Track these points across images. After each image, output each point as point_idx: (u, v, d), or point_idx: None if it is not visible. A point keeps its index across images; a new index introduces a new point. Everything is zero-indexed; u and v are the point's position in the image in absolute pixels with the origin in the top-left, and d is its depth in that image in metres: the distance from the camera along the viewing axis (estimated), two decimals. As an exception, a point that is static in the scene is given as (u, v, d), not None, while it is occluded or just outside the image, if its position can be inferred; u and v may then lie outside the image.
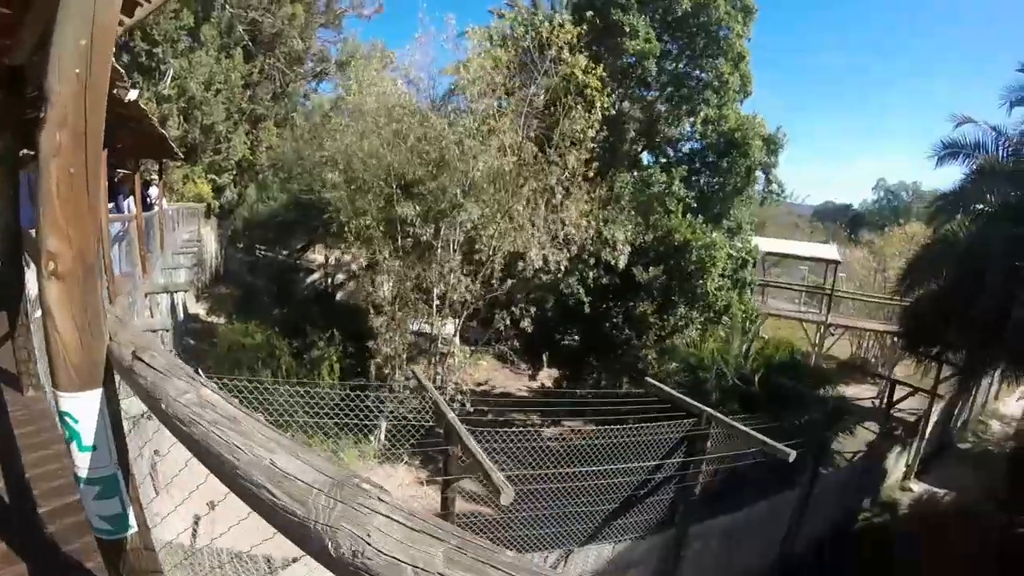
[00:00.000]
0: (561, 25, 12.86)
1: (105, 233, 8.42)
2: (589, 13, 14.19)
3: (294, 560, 7.12)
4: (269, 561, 7.31)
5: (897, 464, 17.66)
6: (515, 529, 9.57)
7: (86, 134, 1.91)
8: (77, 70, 1.79)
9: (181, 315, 19.83)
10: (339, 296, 24.85)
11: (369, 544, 0.85)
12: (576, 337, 17.48)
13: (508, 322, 14.18)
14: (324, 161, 16.29)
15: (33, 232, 2.13)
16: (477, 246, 13.34)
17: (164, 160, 17.78)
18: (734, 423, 11.18)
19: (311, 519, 0.95)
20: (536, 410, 18.42)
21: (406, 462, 17.06)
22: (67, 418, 1.91)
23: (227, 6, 24.77)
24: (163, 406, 1.54)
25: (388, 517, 0.89)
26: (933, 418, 18.35)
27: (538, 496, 9.53)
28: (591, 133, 13.19)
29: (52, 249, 1.86)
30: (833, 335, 22.57)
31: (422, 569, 0.79)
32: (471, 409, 15.33)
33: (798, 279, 29.30)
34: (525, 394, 20.70)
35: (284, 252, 26.77)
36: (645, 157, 18.34)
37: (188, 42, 23.24)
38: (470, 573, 0.76)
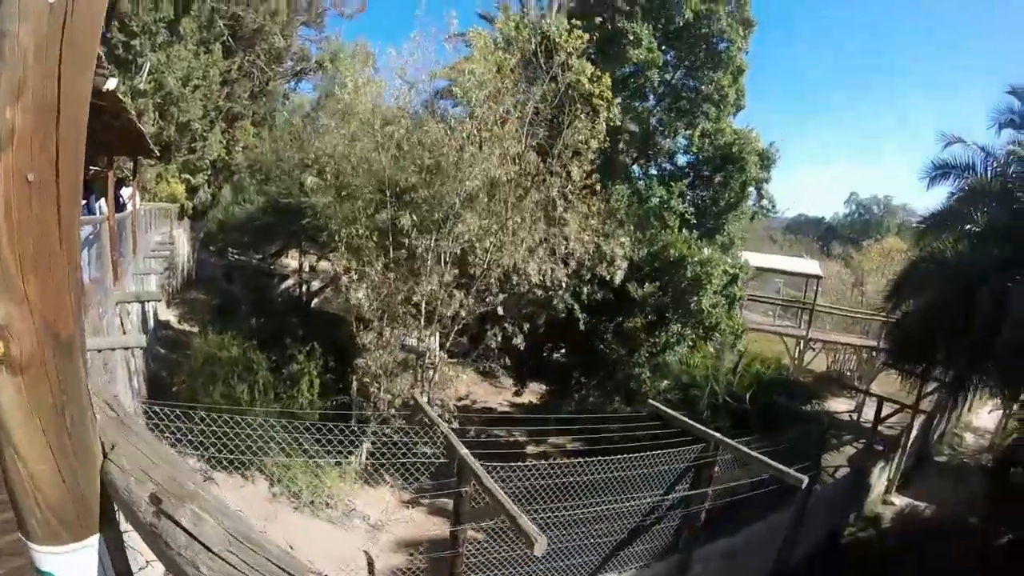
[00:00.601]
0: (569, 31, 12.11)
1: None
2: (598, 19, 13.54)
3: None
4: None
5: (880, 478, 17.52)
6: (521, 565, 8.76)
7: (59, 112, 1.04)
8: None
9: (152, 323, 18.54)
10: (315, 303, 23.75)
11: None
12: (564, 353, 16.77)
13: (499, 338, 13.39)
14: (309, 164, 15.26)
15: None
16: (472, 259, 12.48)
17: (138, 158, 16.58)
18: (746, 450, 10.77)
19: None
20: (522, 428, 17.62)
21: (389, 484, 16.09)
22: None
23: (207, -1, 23.54)
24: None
25: None
26: (913, 432, 18.11)
27: (545, 527, 8.80)
28: (594, 144, 12.47)
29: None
30: (814, 349, 22.24)
31: None
32: (456, 425, 14.49)
33: (772, 292, 29.09)
34: (507, 409, 19.87)
35: (257, 256, 25.52)
36: (637, 169, 17.69)
37: (166, 35, 21.89)
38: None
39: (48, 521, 1.20)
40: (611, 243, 12.76)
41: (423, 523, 14.56)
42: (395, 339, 12.81)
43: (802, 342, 21.48)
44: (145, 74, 20.80)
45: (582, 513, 9.19)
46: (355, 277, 12.07)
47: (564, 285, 12.46)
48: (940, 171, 15.18)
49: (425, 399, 13.79)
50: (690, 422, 11.29)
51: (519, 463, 8.33)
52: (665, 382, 15.43)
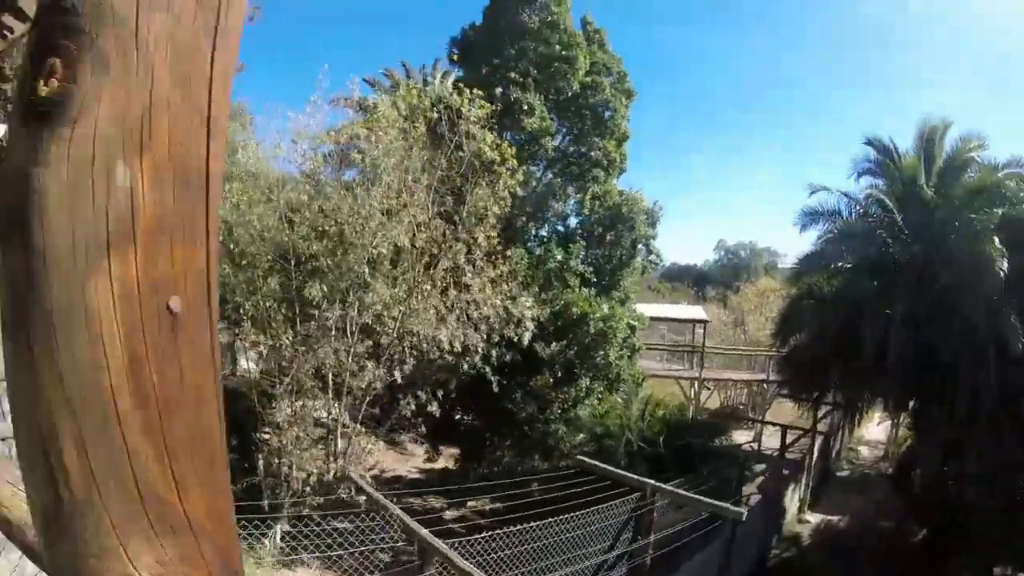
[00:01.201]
0: (471, 100, 12.08)
1: None
2: (498, 90, 13.70)
3: None
4: None
5: (792, 500, 18.17)
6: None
7: (208, 177, 0.61)
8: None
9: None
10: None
11: None
12: (476, 416, 16.27)
13: (414, 406, 12.75)
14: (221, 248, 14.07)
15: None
16: (381, 328, 11.85)
17: None
18: (683, 492, 11.20)
19: None
20: (437, 495, 16.77)
21: (305, 563, 14.68)
22: None
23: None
24: None
25: None
26: (815, 454, 18.99)
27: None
28: (496, 210, 12.39)
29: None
30: (709, 389, 23.00)
31: None
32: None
33: (657, 338, 30.00)
34: (417, 476, 18.90)
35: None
36: (533, 232, 17.83)
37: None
38: None
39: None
40: (519, 305, 12.55)
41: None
42: (307, 413, 11.79)
43: (696, 383, 22.18)
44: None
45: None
46: (262, 351, 11.03)
47: (478, 349, 12.05)
48: (810, 217, 16.46)
49: (336, 471, 12.81)
50: (622, 472, 11.33)
51: (477, 535, 7.73)
52: (580, 435, 15.31)
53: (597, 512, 9.90)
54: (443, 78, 21.08)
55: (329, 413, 12.50)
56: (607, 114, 17.03)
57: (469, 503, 16.43)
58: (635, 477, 11.11)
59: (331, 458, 12.93)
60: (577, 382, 14.97)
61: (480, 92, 12.60)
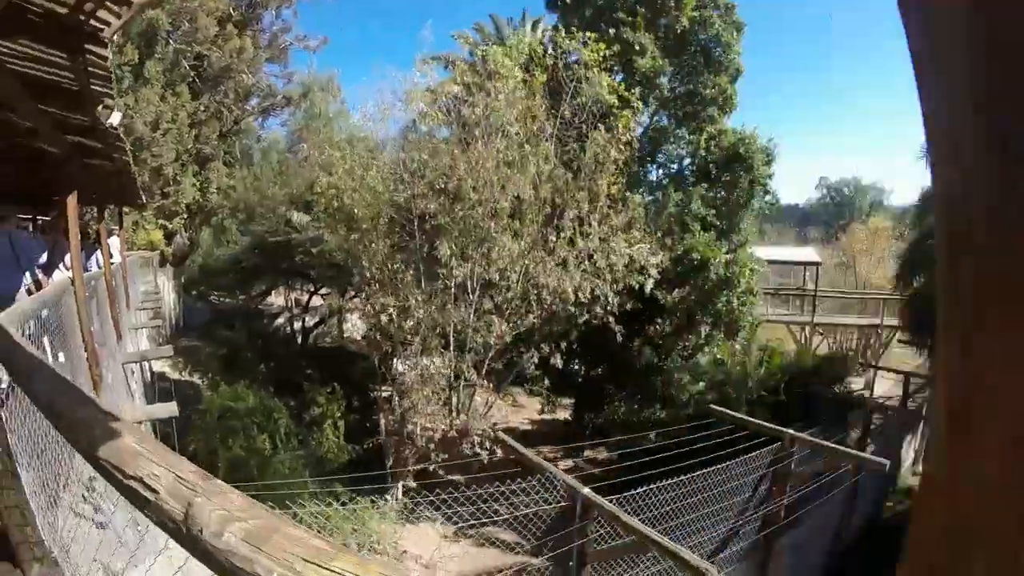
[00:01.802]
0: (585, 44, 11.42)
1: (82, 299, 6.15)
2: (612, 30, 12.94)
3: None
4: None
5: (908, 451, 17.13)
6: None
7: None
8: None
9: (148, 377, 17.04)
10: (319, 341, 22.48)
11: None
12: (588, 366, 15.98)
13: (536, 360, 12.56)
14: (296, 200, 14.19)
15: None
16: (504, 282, 11.60)
17: (122, 207, 15.20)
18: (824, 442, 10.64)
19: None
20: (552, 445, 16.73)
21: (428, 516, 15.00)
22: None
23: (171, 41, 21.99)
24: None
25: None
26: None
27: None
28: (615, 155, 11.78)
29: None
30: (820, 334, 21.95)
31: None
32: (498, 455, 13.55)
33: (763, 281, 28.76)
34: (528, 427, 18.90)
35: (242, 297, 24.07)
36: (652, 176, 17.08)
37: (131, 79, 20.41)
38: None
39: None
40: (643, 252, 12.00)
41: (476, 556, 13.55)
42: (433, 371, 11.76)
43: (806, 328, 21.18)
44: (117, 120, 19.22)
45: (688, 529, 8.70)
46: (393, 313, 10.97)
47: (608, 299, 11.63)
48: None
49: (461, 426, 12.84)
50: (759, 422, 10.87)
51: (635, 490, 7.46)
52: (700, 383, 14.82)
53: (743, 463, 9.66)
54: (533, 27, 20.30)
55: (452, 370, 12.44)
56: (718, 50, 15.98)
57: (585, 452, 16.31)
58: (772, 426, 10.73)
59: (455, 414, 12.95)
60: (697, 329, 14.43)
61: (592, 34, 11.91)
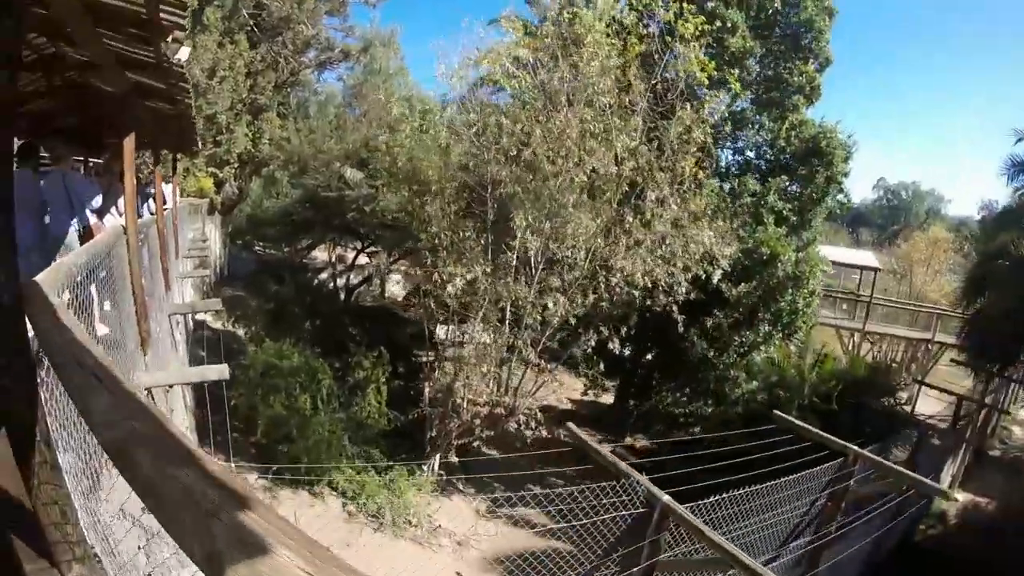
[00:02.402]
0: (680, 15, 10.60)
1: (135, 249, 5.64)
2: (711, 3, 12.11)
3: None
4: None
5: (946, 474, 16.40)
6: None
7: None
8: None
9: (191, 325, 16.77)
10: (355, 298, 22.12)
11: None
12: (638, 352, 15.38)
13: (594, 342, 12.00)
14: (354, 155, 13.66)
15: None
16: (571, 259, 10.99)
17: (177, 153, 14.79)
18: (889, 464, 10.12)
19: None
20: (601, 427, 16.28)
21: (461, 491, 14.68)
22: None
23: (231, -12, 21.47)
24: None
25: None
26: (978, 427, 17.24)
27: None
28: (699, 137, 11.02)
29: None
30: (871, 342, 21.07)
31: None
32: (545, 433, 13.15)
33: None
34: (567, 407, 18.42)
35: (287, 250, 23.79)
36: (729, 163, 16.26)
37: (190, 25, 19.92)
38: None
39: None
40: (718, 241, 11.28)
41: (508, 536, 13.21)
42: (494, 347, 11.25)
43: (856, 335, 20.33)
44: (185, 55, 18.73)
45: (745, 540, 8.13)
46: (460, 283, 10.43)
47: (680, 287, 10.97)
48: (1017, 168, 14.79)
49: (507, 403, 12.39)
50: (824, 435, 10.20)
51: (704, 500, 6.91)
52: (754, 383, 14.18)
53: (809, 477, 9.12)
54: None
55: (508, 345, 11.92)
56: (808, 36, 15.10)
57: (626, 439, 15.85)
58: (839, 441, 10.05)
59: (503, 390, 12.48)
60: (757, 327, 13.73)
61: (688, 6, 11.08)
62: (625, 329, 12.50)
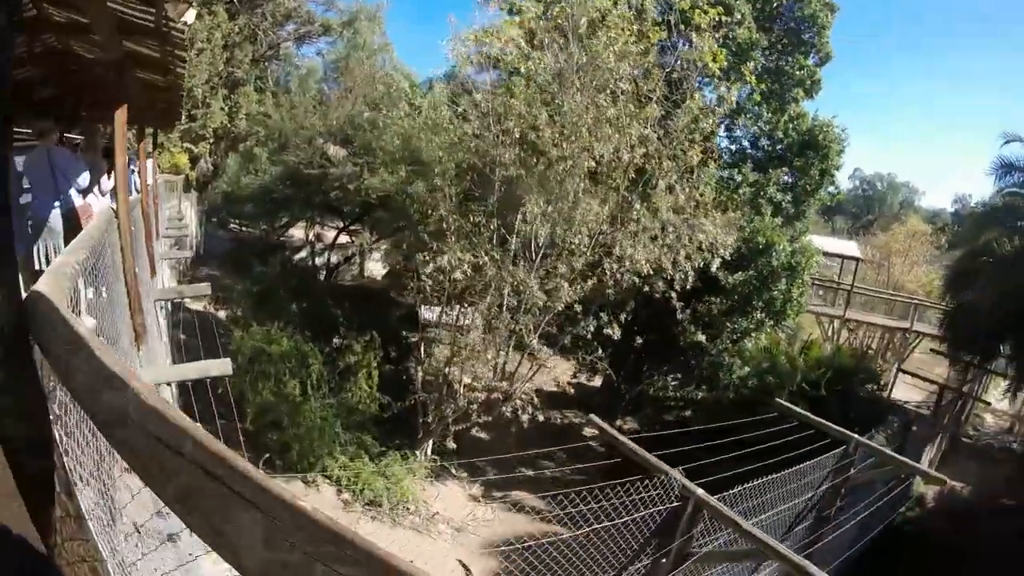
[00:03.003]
0: (696, 4, 10.38)
1: (127, 233, 5.19)
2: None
3: None
4: None
5: (924, 460, 16.81)
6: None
7: None
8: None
9: (169, 307, 16.11)
10: (335, 278, 21.64)
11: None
12: (634, 337, 15.32)
13: (593, 328, 11.87)
14: (381, 144, 13.23)
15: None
16: (574, 245, 10.77)
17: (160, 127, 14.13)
18: (890, 452, 10.30)
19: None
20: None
21: (455, 475, 14.48)
22: None
23: (210, -43, 20.50)
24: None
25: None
26: (956, 415, 17.71)
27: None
28: (706, 126, 10.90)
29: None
30: (850, 330, 21.39)
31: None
32: (541, 417, 13.03)
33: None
34: (553, 389, 18.33)
35: (263, 228, 23.07)
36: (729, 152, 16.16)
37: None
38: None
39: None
40: (720, 229, 11.19)
41: (504, 521, 13.12)
42: (497, 334, 11.01)
43: (835, 322, 20.61)
44: (191, 18, 17.78)
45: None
46: (465, 267, 10.12)
47: (686, 275, 10.85)
48: (1005, 168, 15.29)
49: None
50: (825, 423, 10.29)
51: (727, 492, 6.84)
52: (746, 369, 14.27)
53: (817, 467, 9.31)
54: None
55: (510, 330, 11.68)
56: (811, 31, 15.17)
57: (616, 423, 15.81)
58: (840, 430, 10.16)
59: (499, 375, 12.28)
60: (751, 314, 13.76)
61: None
62: (625, 315, 12.38)
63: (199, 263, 21.18)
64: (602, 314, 11.75)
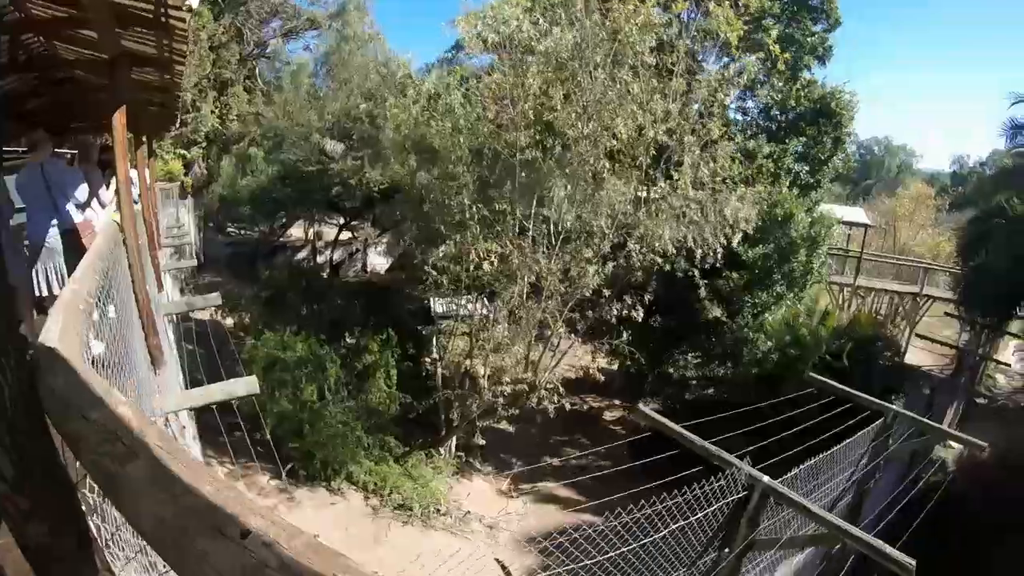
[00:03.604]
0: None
1: (135, 250, 4.72)
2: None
3: None
4: None
5: (943, 424, 16.63)
6: None
7: None
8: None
9: (176, 319, 15.60)
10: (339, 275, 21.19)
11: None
12: (651, 317, 14.98)
13: (616, 312, 11.49)
14: (387, 134, 12.76)
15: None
16: (596, 227, 10.36)
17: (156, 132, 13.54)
18: (927, 421, 10.12)
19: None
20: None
21: (479, 470, 14.17)
22: None
23: (193, -46, 19.74)
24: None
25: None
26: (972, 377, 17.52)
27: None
28: (724, 99, 10.51)
29: None
30: (860, 296, 21.13)
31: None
32: (568, 405, 12.66)
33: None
34: (571, 375, 17.96)
35: (261, 230, 22.58)
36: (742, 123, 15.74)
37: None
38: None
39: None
40: (743, 204, 10.77)
41: (536, 513, 12.83)
42: (527, 324, 10.61)
43: (845, 289, 20.35)
44: (196, 2, 17.15)
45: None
46: (494, 260, 9.71)
47: (716, 252, 10.43)
48: (1016, 129, 15.27)
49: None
50: (862, 395, 9.98)
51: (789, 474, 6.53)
52: (769, 344, 13.95)
53: (860, 441, 9.08)
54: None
55: (532, 318, 11.27)
56: (819, -4, 14.65)
57: (639, 405, 15.54)
58: (877, 401, 9.78)
59: (525, 367, 11.90)
60: (771, 288, 13.42)
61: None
62: (649, 297, 12.03)
63: (200, 270, 20.66)
64: (626, 297, 11.31)
